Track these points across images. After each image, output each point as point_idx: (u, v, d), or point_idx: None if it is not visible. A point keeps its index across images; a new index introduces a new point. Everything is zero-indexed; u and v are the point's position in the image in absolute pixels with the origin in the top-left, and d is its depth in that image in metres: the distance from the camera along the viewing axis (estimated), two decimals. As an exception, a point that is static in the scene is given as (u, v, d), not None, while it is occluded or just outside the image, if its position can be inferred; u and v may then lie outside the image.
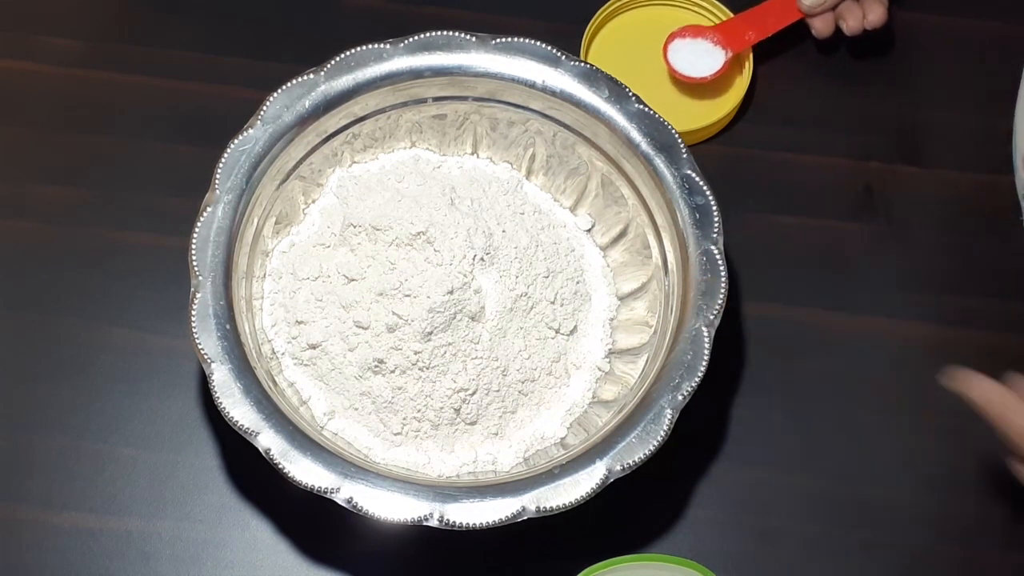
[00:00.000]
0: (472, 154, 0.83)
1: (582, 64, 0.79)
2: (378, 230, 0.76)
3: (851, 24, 0.87)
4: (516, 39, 0.79)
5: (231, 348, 0.72)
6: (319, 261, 0.77)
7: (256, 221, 0.76)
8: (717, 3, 0.90)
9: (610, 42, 0.90)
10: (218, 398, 0.71)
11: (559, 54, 0.79)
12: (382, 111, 0.79)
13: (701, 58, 0.88)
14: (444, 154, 0.83)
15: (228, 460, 0.78)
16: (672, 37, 0.88)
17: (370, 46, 0.78)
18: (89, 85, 0.88)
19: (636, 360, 0.77)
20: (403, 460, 0.75)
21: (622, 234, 0.81)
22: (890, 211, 0.87)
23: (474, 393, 0.75)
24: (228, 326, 0.72)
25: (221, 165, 0.76)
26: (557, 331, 0.78)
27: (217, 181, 0.75)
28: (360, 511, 0.69)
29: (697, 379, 0.72)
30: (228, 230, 0.74)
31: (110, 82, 0.88)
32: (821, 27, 0.88)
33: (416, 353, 0.74)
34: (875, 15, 0.87)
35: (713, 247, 0.75)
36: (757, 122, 0.89)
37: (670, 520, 0.78)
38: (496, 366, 0.75)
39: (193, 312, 0.72)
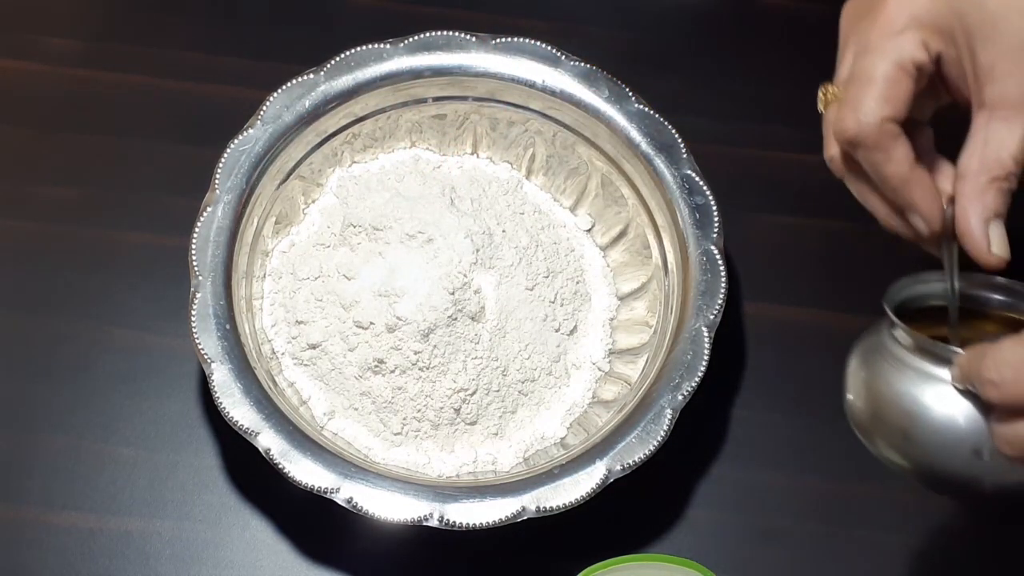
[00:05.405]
0: (472, 154, 0.83)
1: (582, 64, 0.79)
2: (378, 230, 0.76)
3: None
4: (516, 39, 0.79)
5: (231, 348, 0.72)
6: (319, 261, 0.77)
7: (256, 221, 0.76)
8: None
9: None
10: (218, 398, 0.71)
11: (559, 54, 0.79)
12: (382, 111, 0.80)
13: None
14: (444, 154, 0.83)
15: (228, 460, 0.78)
16: None
17: (370, 46, 0.78)
18: (89, 85, 0.88)
19: (636, 360, 0.77)
20: (403, 460, 0.75)
21: (622, 234, 0.81)
22: (890, 211, 0.86)
23: (474, 393, 0.75)
24: (228, 326, 0.72)
25: (221, 165, 0.76)
26: (557, 331, 0.78)
27: (217, 181, 0.75)
28: (360, 511, 0.69)
29: (697, 379, 0.73)
30: (228, 230, 0.75)
31: (110, 82, 0.88)
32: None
33: (416, 353, 0.74)
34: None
35: (713, 247, 0.75)
36: (757, 122, 0.88)
37: (670, 520, 0.78)
38: (496, 366, 0.75)
39: (193, 312, 0.72)
